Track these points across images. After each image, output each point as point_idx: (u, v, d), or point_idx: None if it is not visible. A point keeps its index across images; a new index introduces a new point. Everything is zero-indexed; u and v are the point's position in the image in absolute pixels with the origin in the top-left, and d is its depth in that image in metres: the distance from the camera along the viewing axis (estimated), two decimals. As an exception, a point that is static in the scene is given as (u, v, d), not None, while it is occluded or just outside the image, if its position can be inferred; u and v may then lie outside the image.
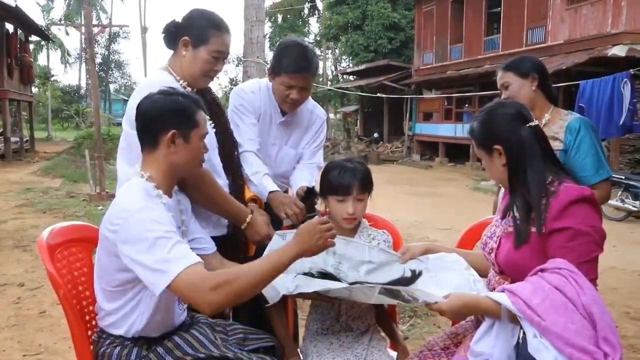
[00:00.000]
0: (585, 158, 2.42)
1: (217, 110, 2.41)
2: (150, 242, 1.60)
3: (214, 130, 2.28)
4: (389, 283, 1.93)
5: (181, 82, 2.21)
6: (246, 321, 2.23)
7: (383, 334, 2.32)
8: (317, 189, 2.30)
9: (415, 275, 2.01)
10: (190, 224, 2.04)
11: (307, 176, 2.64)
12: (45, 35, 26.16)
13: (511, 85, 2.56)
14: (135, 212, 1.65)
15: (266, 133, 2.68)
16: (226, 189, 2.29)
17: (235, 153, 2.46)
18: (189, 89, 2.21)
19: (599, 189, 2.41)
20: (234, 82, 33.89)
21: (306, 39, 41.42)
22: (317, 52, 2.61)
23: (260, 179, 2.45)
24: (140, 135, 1.83)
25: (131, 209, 1.66)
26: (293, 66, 2.44)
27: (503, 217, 1.90)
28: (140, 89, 2.10)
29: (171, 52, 2.27)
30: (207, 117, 2.29)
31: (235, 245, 2.32)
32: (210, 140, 2.23)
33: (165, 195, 1.79)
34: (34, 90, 28.13)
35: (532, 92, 2.54)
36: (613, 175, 10.09)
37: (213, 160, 2.24)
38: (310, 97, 2.74)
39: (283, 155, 2.73)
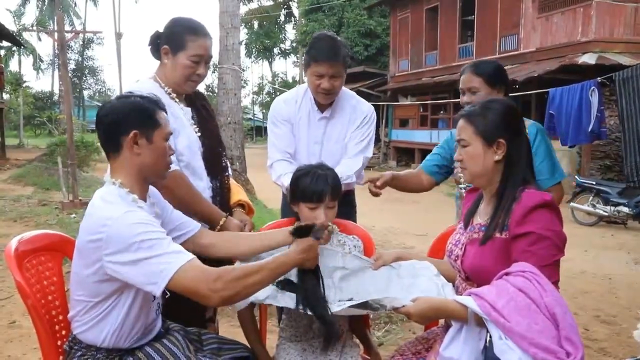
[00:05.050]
0: (541, 162, 2.52)
1: (206, 116, 2.49)
2: (144, 242, 1.60)
3: (199, 134, 2.38)
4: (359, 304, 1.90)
5: (166, 89, 2.29)
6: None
7: (356, 340, 2.33)
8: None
9: (382, 305, 1.85)
10: (172, 215, 2.03)
11: (346, 169, 2.63)
12: (16, 40, 25.75)
13: (479, 92, 2.56)
14: (119, 218, 1.63)
15: (306, 133, 2.78)
16: (208, 192, 2.37)
17: (223, 158, 2.52)
18: (173, 95, 2.30)
19: (555, 191, 2.52)
20: (209, 89, 33.71)
21: (282, 45, 41.62)
22: (346, 46, 2.79)
23: (282, 180, 2.62)
24: (103, 142, 1.82)
25: (113, 215, 1.64)
26: (319, 55, 2.59)
27: (466, 225, 1.93)
28: None
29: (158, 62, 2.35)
30: (195, 118, 2.40)
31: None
32: (192, 144, 2.31)
33: (141, 200, 1.79)
34: (5, 96, 27.59)
35: None
36: (584, 181, 10.30)
37: (194, 164, 2.30)
38: (354, 93, 2.90)
39: (328, 152, 2.76)
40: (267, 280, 1.72)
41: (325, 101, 2.73)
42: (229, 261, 2.11)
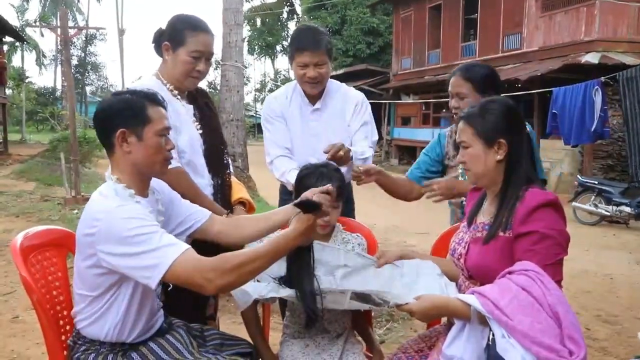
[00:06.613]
0: None
1: (208, 113, 2.50)
2: (137, 237, 1.60)
3: (201, 132, 2.38)
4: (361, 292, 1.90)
5: (168, 85, 2.30)
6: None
7: (359, 337, 2.34)
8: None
9: (385, 301, 1.85)
10: (179, 209, 2.02)
11: (359, 148, 2.67)
12: (19, 36, 25.71)
13: (467, 98, 2.49)
14: (113, 211, 1.65)
15: (300, 127, 2.78)
16: (209, 189, 2.38)
17: (225, 156, 2.53)
18: (175, 92, 2.31)
19: None
20: (212, 86, 33.71)
21: (285, 43, 41.58)
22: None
23: (287, 177, 2.63)
24: (99, 140, 1.83)
25: (108, 208, 1.66)
26: (301, 45, 2.62)
27: (470, 224, 1.94)
28: None
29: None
30: (197, 116, 2.39)
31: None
32: (193, 141, 2.32)
33: (138, 195, 1.79)
34: (8, 92, 27.61)
35: None
36: (586, 181, 10.29)
37: (195, 161, 2.31)
38: (342, 84, 2.90)
39: (326, 143, 2.64)
40: (265, 266, 1.68)
41: (313, 91, 2.72)
42: (241, 246, 2.11)
